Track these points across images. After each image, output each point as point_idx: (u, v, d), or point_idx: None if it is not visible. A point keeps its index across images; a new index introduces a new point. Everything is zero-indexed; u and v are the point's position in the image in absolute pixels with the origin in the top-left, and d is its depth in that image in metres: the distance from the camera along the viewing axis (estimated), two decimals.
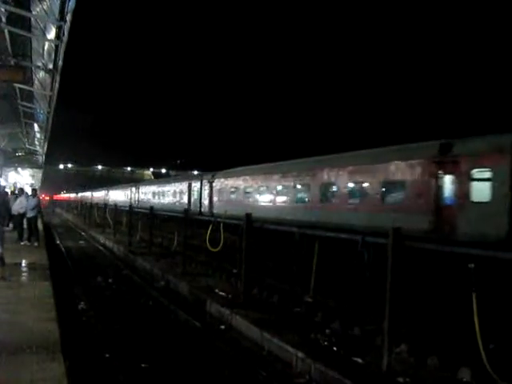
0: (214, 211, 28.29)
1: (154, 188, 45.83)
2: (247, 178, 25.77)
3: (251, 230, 11.30)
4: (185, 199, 34.72)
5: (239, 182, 26.54)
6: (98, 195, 70.86)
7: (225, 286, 13.27)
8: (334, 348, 8.07)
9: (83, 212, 46.88)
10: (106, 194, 66.31)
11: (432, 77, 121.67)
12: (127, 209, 27.77)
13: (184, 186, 35.43)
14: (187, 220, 16.40)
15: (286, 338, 8.50)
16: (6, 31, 15.66)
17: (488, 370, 6.33)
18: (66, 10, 14.69)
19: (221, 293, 12.26)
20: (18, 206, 19.04)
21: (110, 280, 15.73)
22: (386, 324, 7.08)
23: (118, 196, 58.01)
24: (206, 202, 30.65)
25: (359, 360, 7.49)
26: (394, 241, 7.10)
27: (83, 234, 34.88)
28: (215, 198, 29.33)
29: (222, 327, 10.34)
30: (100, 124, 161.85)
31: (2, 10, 14.11)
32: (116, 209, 30.14)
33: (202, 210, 30.62)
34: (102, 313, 11.39)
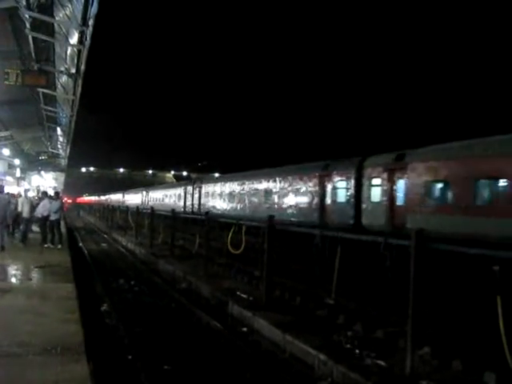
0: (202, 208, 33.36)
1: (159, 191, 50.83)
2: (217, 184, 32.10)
3: (273, 232, 11.28)
4: (183, 201, 38.75)
5: (216, 188, 32.03)
6: (119, 198, 71.40)
7: (246, 288, 13.27)
8: (357, 350, 8.01)
9: (105, 215, 47.32)
10: (126, 197, 66.85)
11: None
12: (148, 211, 27.98)
13: (181, 189, 40.74)
14: (208, 222, 16.45)
15: (307, 340, 8.46)
16: (29, 37, 15.88)
17: None
18: (88, 15, 14.87)
19: (242, 295, 12.26)
20: (41, 209, 19.26)
21: (132, 282, 15.85)
22: (409, 326, 7.02)
23: (136, 199, 58.64)
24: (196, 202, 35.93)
25: (382, 363, 7.42)
26: (417, 242, 7.03)
27: (105, 236, 35.20)
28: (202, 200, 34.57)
29: (244, 329, 10.34)
30: (122, 127, 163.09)
31: (27, 16, 14.30)
32: (138, 211, 30.35)
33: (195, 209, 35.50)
34: (125, 315, 11.47)
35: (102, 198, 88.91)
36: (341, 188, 18.93)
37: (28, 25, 14.90)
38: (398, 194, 16.24)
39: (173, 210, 22.32)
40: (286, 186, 22.73)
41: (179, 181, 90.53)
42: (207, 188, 34.04)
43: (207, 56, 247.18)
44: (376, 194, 17.14)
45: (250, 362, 8.51)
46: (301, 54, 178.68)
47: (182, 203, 38.87)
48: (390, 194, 16.44)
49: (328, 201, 19.61)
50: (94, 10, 14.61)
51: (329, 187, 19.63)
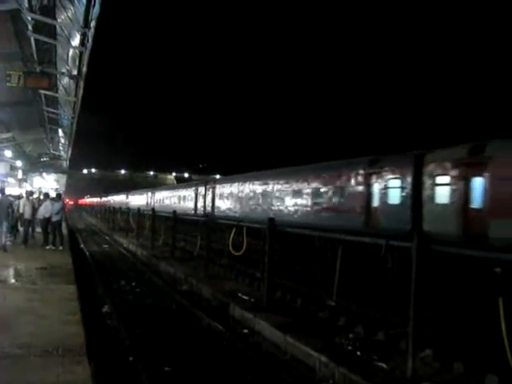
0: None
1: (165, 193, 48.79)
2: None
3: (274, 233, 11.28)
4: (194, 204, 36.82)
5: (233, 189, 29.39)
6: (121, 199, 70.57)
7: (248, 289, 13.26)
8: (358, 352, 8.00)
9: (107, 216, 47.30)
10: (130, 199, 65.73)
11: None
12: (150, 213, 27.92)
13: (191, 191, 38.19)
14: (209, 223, 16.46)
15: (309, 342, 8.46)
16: (32, 39, 15.90)
17: None
18: (90, 17, 14.89)
19: (244, 296, 12.26)
20: (43, 211, 19.29)
21: (133, 283, 15.85)
22: (410, 328, 7.01)
23: (141, 200, 57.45)
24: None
25: (383, 365, 7.41)
26: (419, 244, 7.02)
27: (107, 237, 35.21)
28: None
29: (245, 331, 10.33)
30: (123, 129, 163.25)
31: (29, 18, 14.32)
32: (139, 213, 30.35)
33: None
34: (126, 316, 11.47)
35: (104, 199, 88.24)
36: (393, 187, 16.24)
37: (30, 27, 14.92)
38: (474, 195, 13.51)
39: (174, 212, 22.29)
40: (320, 185, 20.07)
41: (180, 182, 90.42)
42: (222, 189, 30.86)
43: (209, 58, 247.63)
44: (443, 194, 14.40)
45: (251, 363, 8.50)
46: (297, 56, 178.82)
47: (192, 205, 36.16)
48: (463, 194, 13.72)
49: (375, 202, 16.92)
50: (95, 11, 14.62)
51: (377, 186, 16.94)
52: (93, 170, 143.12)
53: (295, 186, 22.14)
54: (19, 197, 22.57)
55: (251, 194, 26.42)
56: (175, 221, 21.80)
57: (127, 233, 32.07)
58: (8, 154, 34.36)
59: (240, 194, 27.90)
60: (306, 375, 7.84)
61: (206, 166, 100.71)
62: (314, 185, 20.60)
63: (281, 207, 23.02)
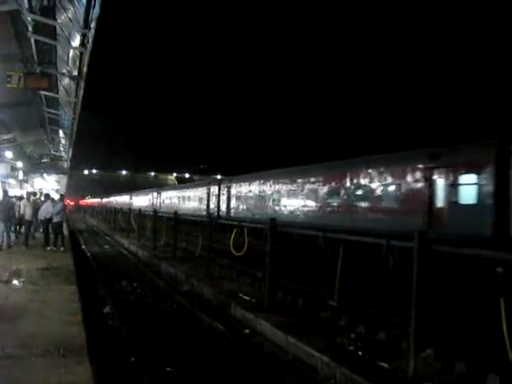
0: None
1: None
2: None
3: (275, 234, 11.26)
4: (206, 205, 35.20)
5: (253, 188, 27.02)
6: (123, 200, 69.68)
7: (249, 290, 13.25)
8: (360, 352, 8.00)
9: (108, 217, 47.27)
10: (134, 199, 64.23)
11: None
12: (151, 213, 27.88)
13: (203, 190, 36.29)
14: (210, 224, 16.45)
15: (310, 342, 8.45)
16: (32, 40, 15.91)
17: None
18: (90, 17, 14.89)
19: (245, 297, 12.25)
20: (44, 212, 19.31)
21: (134, 284, 15.85)
22: (411, 328, 7.00)
23: (147, 201, 56.00)
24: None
25: (385, 365, 7.41)
26: (420, 244, 7.01)
27: (108, 238, 35.21)
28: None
29: (247, 331, 10.32)
30: (124, 129, 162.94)
31: (29, 19, 14.33)
32: (140, 213, 30.35)
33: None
34: (127, 317, 11.47)
35: (106, 200, 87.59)
36: (466, 184, 13.97)
37: (30, 27, 14.93)
38: None
39: (175, 212, 22.29)
40: (367, 183, 17.59)
41: (180, 183, 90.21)
42: (239, 188, 28.01)
43: (209, 59, 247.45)
44: None
45: (252, 363, 8.49)
46: (297, 56, 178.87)
47: (203, 206, 33.99)
48: None
49: (440, 202, 14.62)
50: (96, 12, 14.63)
51: (441, 183, 14.65)
52: (94, 171, 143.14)
53: (334, 184, 19.51)
54: (21, 198, 22.61)
55: (277, 194, 23.58)
56: (176, 221, 21.80)
57: (128, 233, 32.07)
58: (9, 154, 34.40)
59: (263, 194, 24.99)
60: (307, 375, 7.83)
61: (207, 166, 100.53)
62: (360, 182, 18.10)
63: (314, 209, 20.55)
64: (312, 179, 21.01)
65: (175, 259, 19.48)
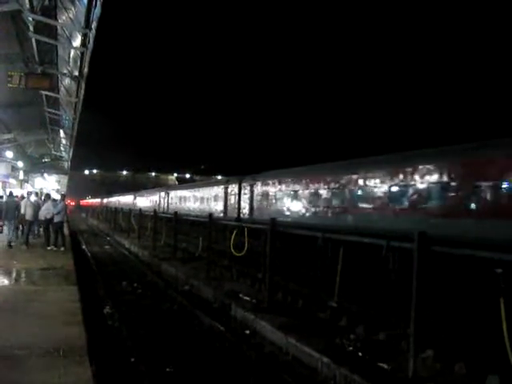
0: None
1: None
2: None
3: (275, 234, 11.26)
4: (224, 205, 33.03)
5: (284, 186, 22.15)
6: (126, 201, 67.85)
7: (249, 290, 13.24)
8: (359, 353, 7.99)
9: (108, 217, 47.21)
10: (139, 200, 61.32)
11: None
12: (151, 214, 27.78)
13: (219, 189, 32.63)
14: (211, 224, 16.44)
15: (310, 343, 8.45)
16: (33, 40, 15.93)
17: None
18: (91, 17, 14.91)
19: (245, 297, 12.24)
20: (44, 212, 19.30)
21: (134, 284, 15.85)
22: (411, 329, 7.00)
23: (153, 202, 52.65)
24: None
25: (385, 365, 7.40)
26: (420, 245, 7.01)
27: (108, 238, 35.22)
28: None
29: (247, 332, 10.32)
30: (124, 130, 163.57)
31: (30, 19, 14.35)
32: (140, 214, 30.33)
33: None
34: (127, 317, 11.47)
35: (107, 200, 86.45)
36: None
37: (31, 28, 14.96)
38: None
39: (175, 213, 22.29)
40: (428, 179, 13.62)
41: (181, 183, 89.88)
42: (266, 187, 23.37)
43: (210, 59, 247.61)
44: None
45: (252, 364, 8.49)
46: (294, 59, 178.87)
47: (220, 208, 29.75)
48: None
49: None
50: (97, 12, 14.65)
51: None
52: (94, 171, 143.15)
53: (384, 183, 15.35)
54: (22, 197, 22.61)
55: (311, 195, 19.49)
56: (176, 222, 21.82)
57: (129, 234, 32.08)
58: (9, 154, 34.45)
59: (301, 194, 20.32)
60: (307, 376, 7.83)
61: (208, 166, 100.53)
62: (431, 179, 13.75)
63: (370, 211, 15.89)
64: (349, 178, 17.07)
65: (175, 259, 19.43)
